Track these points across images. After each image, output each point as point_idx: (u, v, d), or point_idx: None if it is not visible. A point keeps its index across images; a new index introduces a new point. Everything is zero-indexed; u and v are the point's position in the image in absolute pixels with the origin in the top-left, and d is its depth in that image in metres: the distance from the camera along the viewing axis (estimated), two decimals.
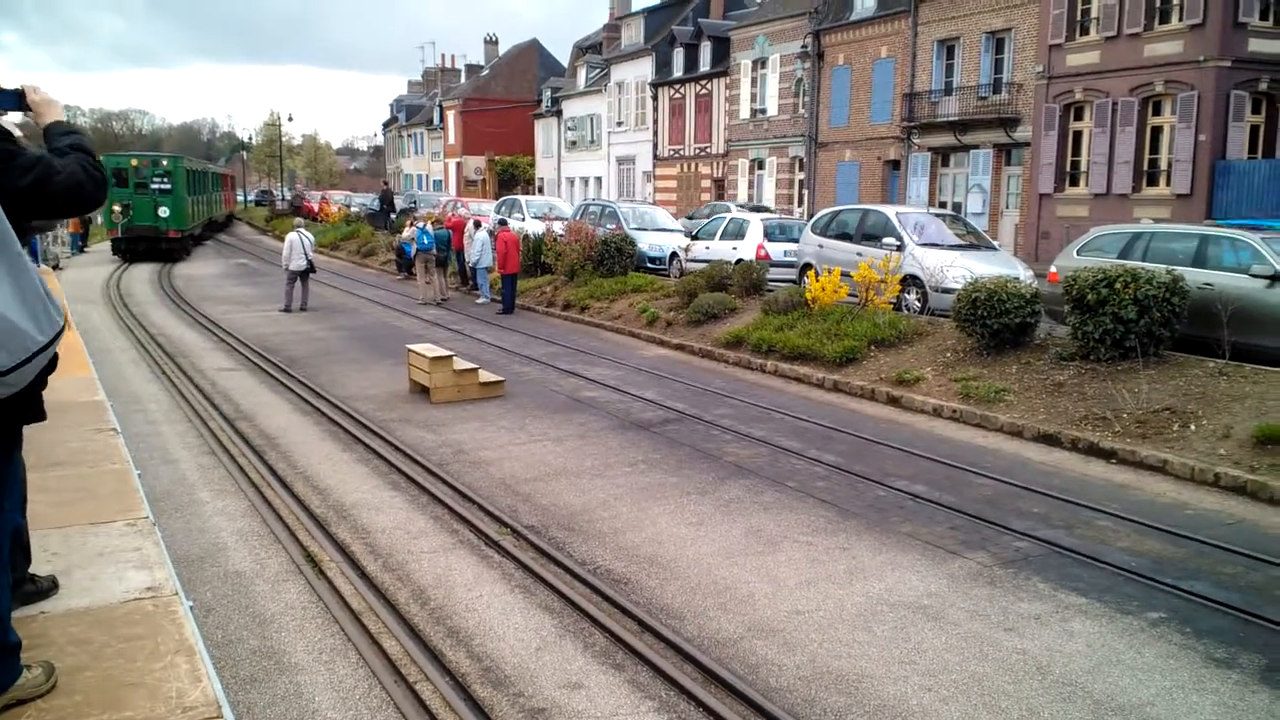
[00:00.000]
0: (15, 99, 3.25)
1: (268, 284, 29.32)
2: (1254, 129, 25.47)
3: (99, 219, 42.32)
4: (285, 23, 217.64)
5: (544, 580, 7.08)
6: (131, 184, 35.84)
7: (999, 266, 15.55)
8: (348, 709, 5.43)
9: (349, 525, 8.36)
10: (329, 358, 16.49)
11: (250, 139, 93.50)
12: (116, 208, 35.01)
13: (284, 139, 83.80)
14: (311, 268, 22.90)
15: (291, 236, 22.77)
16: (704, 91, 46.05)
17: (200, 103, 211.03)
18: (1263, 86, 25.07)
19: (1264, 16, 24.88)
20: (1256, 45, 24.78)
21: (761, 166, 42.04)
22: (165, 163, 37.66)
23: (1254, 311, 11.39)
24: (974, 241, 17.63)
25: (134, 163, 37.35)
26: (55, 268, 30.35)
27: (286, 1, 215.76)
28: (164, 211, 36.23)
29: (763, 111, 41.74)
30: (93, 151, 3.12)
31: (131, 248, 36.18)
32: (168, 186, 36.49)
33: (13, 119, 3.18)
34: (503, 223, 24.30)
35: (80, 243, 42.11)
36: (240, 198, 77.94)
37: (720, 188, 44.98)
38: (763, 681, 5.65)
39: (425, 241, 24.27)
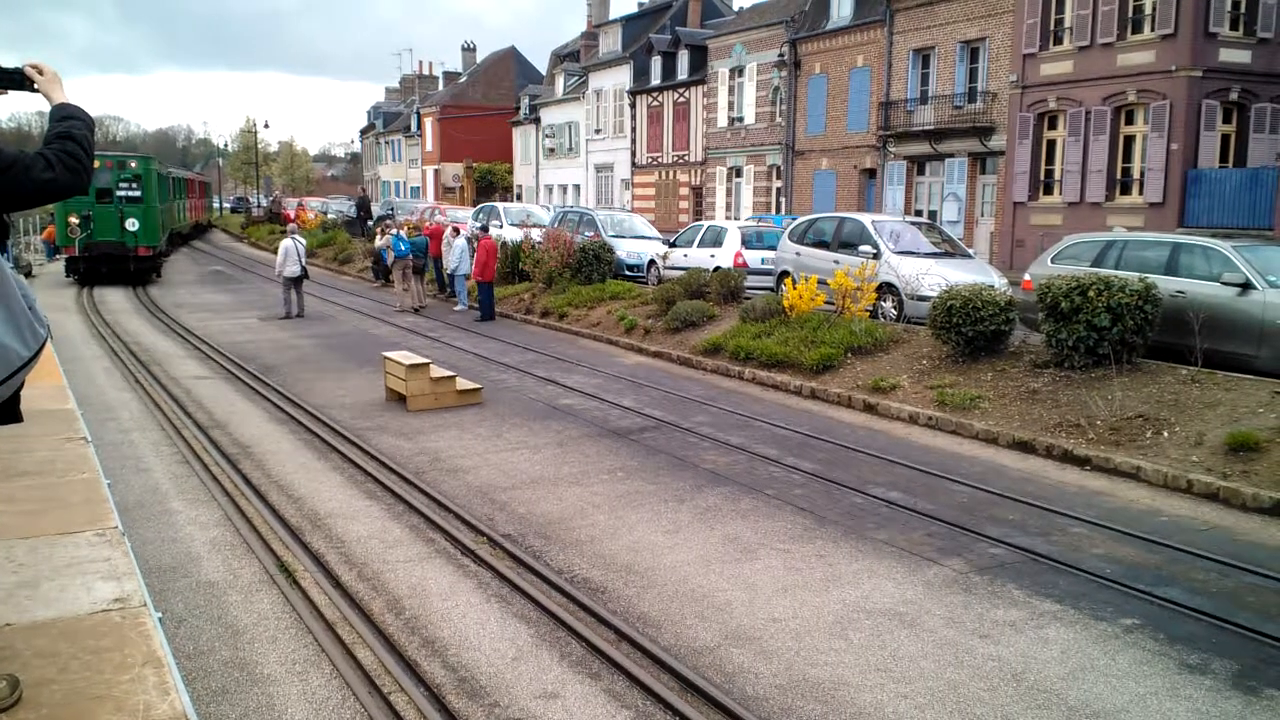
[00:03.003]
0: (16, 78, 3.15)
1: (243, 291, 29.15)
2: (1225, 138, 25.79)
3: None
4: (255, 28, 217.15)
5: (520, 589, 7.05)
6: (92, 190, 28.04)
7: (974, 274, 15.63)
8: None
9: (323, 534, 8.29)
10: (304, 365, 16.38)
11: (226, 145, 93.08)
12: (74, 219, 28.74)
13: (260, 146, 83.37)
14: (305, 274, 22.86)
15: (286, 243, 22.68)
16: (682, 100, 46.17)
17: (174, 109, 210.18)
18: (1233, 96, 25.40)
19: (1234, 27, 25.21)
20: (1227, 55, 25.11)
21: (739, 175, 42.16)
22: (134, 164, 31.11)
23: (1225, 319, 11.50)
24: (949, 249, 17.73)
25: (94, 164, 31.97)
26: (28, 275, 30.03)
27: (255, 6, 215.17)
28: (132, 224, 29.73)
29: (740, 120, 41.90)
30: (80, 139, 3.01)
31: (91, 269, 29.68)
32: (137, 194, 30.06)
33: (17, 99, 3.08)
34: (484, 229, 24.27)
35: (55, 250, 41.59)
36: (216, 204, 77.33)
37: (699, 196, 45.08)
38: (739, 690, 5.64)
39: (402, 249, 24.20)
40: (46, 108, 3.21)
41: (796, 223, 20.45)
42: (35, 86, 3.19)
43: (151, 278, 31.41)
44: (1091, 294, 11.71)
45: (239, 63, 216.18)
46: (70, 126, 3.03)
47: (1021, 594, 7.00)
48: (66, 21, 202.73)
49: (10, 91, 3.18)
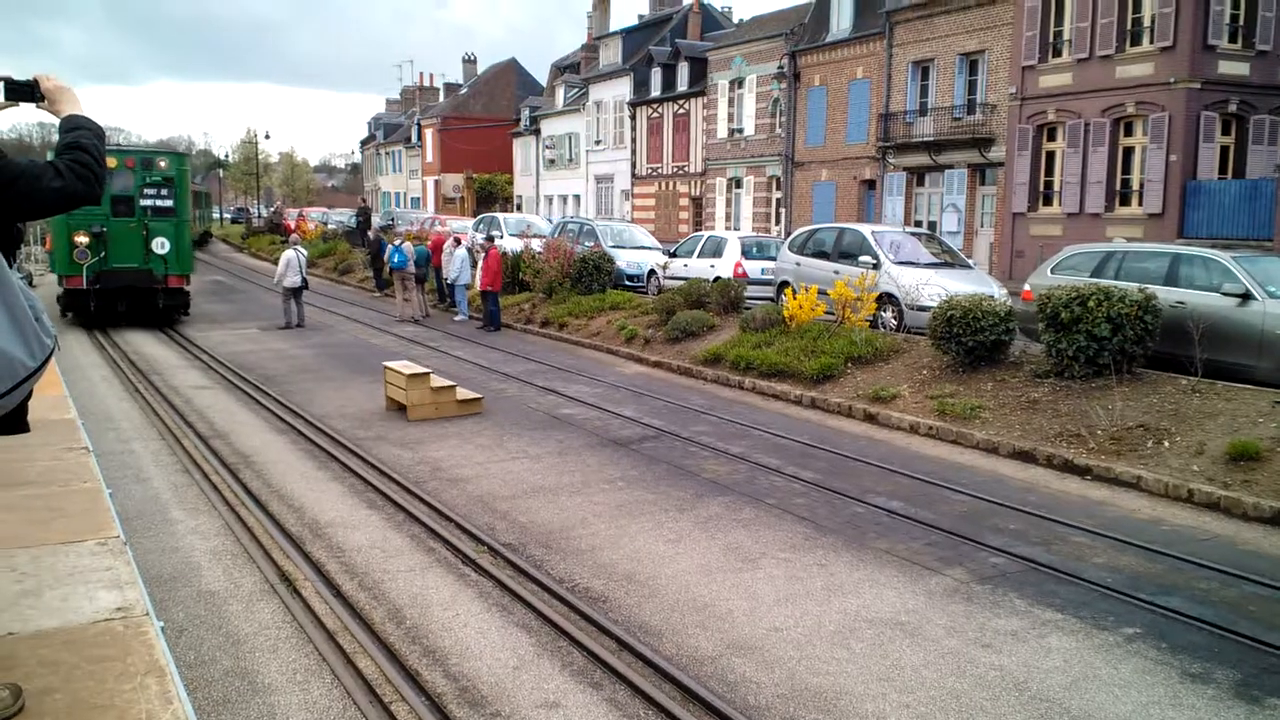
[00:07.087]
0: (29, 90, 3.13)
1: (243, 301, 29.16)
2: (1224, 149, 25.84)
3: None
4: (249, 39, 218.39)
5: (521, 598, 7.04)
6: (107, 199, 20.51)
7: (973, 285, 15.66)
8: None
9: (324, 544, 8.28)
10: (305, 375, 16.38)
11: (227, 156, 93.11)
12: (81, 238, 21.17)
13: (261, 156, 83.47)
14: (305, 284, 22.90)
15: (288, 254, 22.67)
16: (682, 111, 46.27)
17: (173, 120, 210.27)
18: (1232, 108, 25.46)
19: (1233, 39, 25.29)
20: (1225, 67, 25.18)
21: (739, 186, 42.22)
22: (164, 164, 22.73)
23: (1225, 329, 11.51)
24: (949, 260, 17.76)
25: (112, 163, 20.92)
26: (28, 284, 29.93)
27: (247, 17, 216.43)
28: (161, 245, 22.00)
29: (740, 131, 41.98)
30: (90, 147, 2.99)
31: (105, 306, 21.95)
32: (169, 203, 22.28)
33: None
34: (490, 239, 24.33)
35: None
36: (215, 215, 77.31)
37: (698, 207, 45.15)
38: (741, 699, 5.63)
39: (397, 260, 24.23)
40: (49, 119, 3.21)
41: (796, 233, 20.49)
42: (44, 102, 3.18)
43: (179, 316, 23.67)
44: (1091, 304, 11.73)
45: (236, 74, 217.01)
46: (79, 136, 3.03)
47: (1023, 603, 6.99)
48: (59, 31, 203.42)
49: (21, 104, 3.18)
